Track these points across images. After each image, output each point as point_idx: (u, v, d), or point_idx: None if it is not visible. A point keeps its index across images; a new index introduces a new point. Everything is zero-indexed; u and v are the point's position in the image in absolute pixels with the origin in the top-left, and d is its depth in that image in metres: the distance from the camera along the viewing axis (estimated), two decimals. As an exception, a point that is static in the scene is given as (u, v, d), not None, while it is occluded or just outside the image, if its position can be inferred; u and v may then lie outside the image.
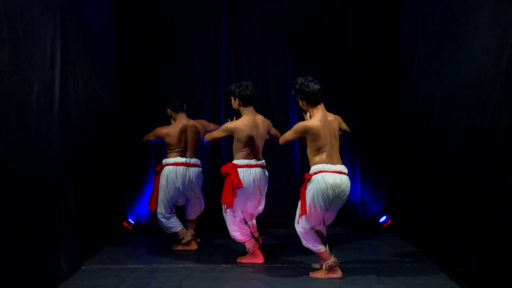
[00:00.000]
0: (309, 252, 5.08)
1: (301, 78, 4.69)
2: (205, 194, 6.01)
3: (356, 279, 4.61)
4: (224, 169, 5.05)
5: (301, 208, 4.59)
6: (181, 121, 5.71)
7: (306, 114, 4.80)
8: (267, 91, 6.64)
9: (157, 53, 6.60)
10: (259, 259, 5.15)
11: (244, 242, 5.16)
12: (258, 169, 5.09)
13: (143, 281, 4.60)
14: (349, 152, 6.63)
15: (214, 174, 6.32)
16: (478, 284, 4.02)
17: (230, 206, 4.98)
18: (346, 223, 6.63)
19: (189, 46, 6.62)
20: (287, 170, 6.61)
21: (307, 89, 4.60)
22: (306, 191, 4.57)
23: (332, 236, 4.61)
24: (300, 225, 4.66)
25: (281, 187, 6.40)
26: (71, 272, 4.68)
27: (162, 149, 6.53)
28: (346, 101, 6.55)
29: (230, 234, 5.18)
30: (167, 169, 5.65)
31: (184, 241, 5.68)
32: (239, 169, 4.99)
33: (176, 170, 5.61)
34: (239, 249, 5.38)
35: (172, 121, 5.80)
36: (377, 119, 6.60)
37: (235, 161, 5.05)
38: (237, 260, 5.20)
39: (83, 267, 4.97)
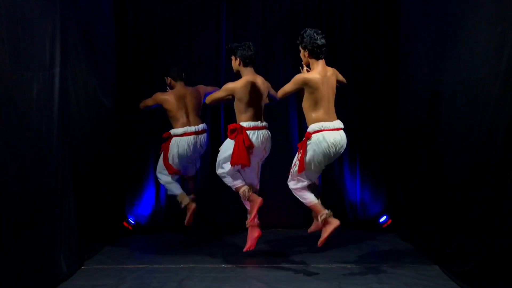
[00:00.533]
0: (309, 252, 5.10)
1: (310, 29, 4.71)
2: (204, 192, 6.05)
3: (356, 279, 4.61)
4: (231, 127, 5.02)
5: (299, 164, 4.63)
6: (180, 88, 5.81)
7: (302, 69, 4.82)
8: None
9: (157, 53, 6.59)
10: (258, 200, 5.05)
11: (238, 189, 5.11)
12: (264, 131, 5.13)
13: (143, 281, 4.61)
14: (349, 152, 6.62)
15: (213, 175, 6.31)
16: (478, 284, 4.02)
17: (247, 164, 4.97)
18: (346, 223, 6.61)
19: (189, 46, 6.61)
20: (287, 171, 6.59)
21: (314, 40, 4.62)
22: (307, 149, 4.62)
23: (332, 236, 4.62)
24: (296, 181, 4.75)
25: (281, 187, 6.37)
26: (71, 272, 4.69)
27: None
28: (346, 101, 6.53)
29: (226, 182, 5.18)
30: (177, 140, 5.68)
31: (182, 205, 5.71)
32: (247, 131, 4.99)
33: (187, 140, 5.68)
34: (239, 249, 5.37)
35: (168, 89, 5.88)
36: (377, 119, 6.59)
37: (243, 123, 5.03)
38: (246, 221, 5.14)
39: (83, 267, 4.97)
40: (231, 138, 5.03)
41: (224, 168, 5.10)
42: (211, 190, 6.32)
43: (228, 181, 5.16)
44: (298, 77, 4.68)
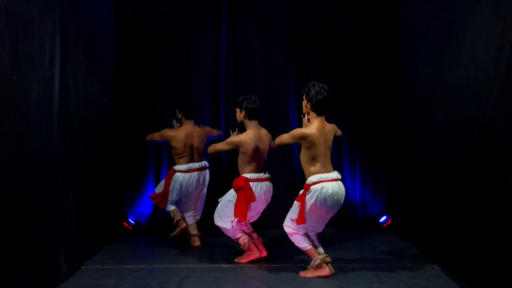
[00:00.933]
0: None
1: (318, 83, 4.69)
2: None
3: (356, 279, 4.61)
4: (237, 183, 5.05)
5: (299, 217, 4.62)
6: (188, 126, 5.87)
7: (304, 116, 4.83)
8: (267, 91, 6.63)
9: (157, 53, 6.59)
10: (255, 253, 5.19)
11: (238, 239, 5.22)
12: (267, 183, 5.18)
13: (143, 281, 4.61)
14: (349, 152, 6.63)
15: (213, 175, 6.32)
16: (478, 284, 4.02)
17: (244, 219, 5.07)
18: (346, 223, 6.63)
19: (189, 46, 6.61)
20: (287, 171, 6.61)
21: (320, 97, 4.61)
22: (306, 200, 4.61)
23: (332, 236, 4.63)
24: (292, 227, 4.74)
25: (281, 187, 6.39)
26: (71, 272, 4.69)
27: (162, 149, 6.55)
28: (346, 101, 6.54)
29: (223, 230, 5.25)
30: (180, 176, 5.79)
31: (174, 221, 5.80)
32: (250, 183, 5.04)
33: (191, 176, 5.82)
34: (239, 249, 5.37)
35: (175, 122, 5.97)
36: (377, 119, 6.59)
37: (246, 175, 5.07)
38: (235, 260, 5.24)
39: (83, 267, 4.97)
40: (236, 192, 5.08)
41: (224, 222, 5.16)
42: (211, 190, 6.31)
43: (228, 233, 5.24)
44: (296, 132, 4.70)
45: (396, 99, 6.41)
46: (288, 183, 6.44)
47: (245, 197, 4.98)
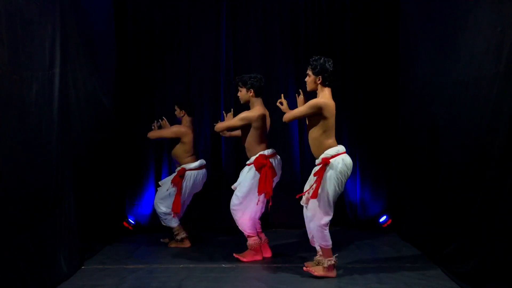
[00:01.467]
0: (308, 251, 5.08)
1: (322, 57, 4.68)
2: (204, 194, 6.10)
3: (356, 279, 4.61)
4: (260, 161, 5.06)
5: (314, 191, 4.51)
6: (190, 124, 5.87)
7: (298, 96, 4.80)
8: (267, 91, 6.59)
9: (157, 53, 6.59)
10: (259, 256, 5.23)
11: (250, 237, 5.22)
12: (278, 157, 5.26)
13: (143, 281, 4.60)
14: (349, 152, 6.62)
15: (212, 175, 6.33)
16: (478, 284, 4.02)
17: (271, 194, 5.03)
18: (346, 223, 6.63)
19: (189, 46, 6.62)
20: (287, 171, 6.60)
21: (327, 68, 4.61)
22: (327, 177, 4.53)
23: (332, 236, 4.61)
24: (320, 220, 4.58)
25: (281, 188, 6.39)
26: (71, 272, 4.69)
27: (162, 149, 6.54)
28: (346, 101, 6.54)
29: (240, 224, 5.21)
30: (193, 174, 5.76)
31: (178, 238, 5.77)
32: (270, 159, 5.10)
33: (201, 174, 5.83)
34: (240, 249, 5.37)
35: (155, 125, 5.88)
36: (377, 118, 6.59)
37: (264, 152, 5.11)
38: (234, 254, 5.26)
39: (83, 267, 4.97)
40: (258, 172, 5.07)
41: (248, 208, 5.15)
42: (211, 190, 6.32)
43: (246, 228, 5.20)
44: (314, 102, 4.59)
45: (396, 99, 6.42)
46: (289, 184, 6.44)
47: (269, 173, 5.03)
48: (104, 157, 5.82)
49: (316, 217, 4.60)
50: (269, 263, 5.13)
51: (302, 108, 4.66)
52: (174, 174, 5.81)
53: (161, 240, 5.93)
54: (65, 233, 4.65)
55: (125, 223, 6.49)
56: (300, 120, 6.53)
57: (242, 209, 5.16)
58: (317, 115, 4.57)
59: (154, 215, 6.59)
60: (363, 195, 6.68)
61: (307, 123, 4.72)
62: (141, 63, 6.59)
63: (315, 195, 4.51)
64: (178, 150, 5.80)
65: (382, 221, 6.59)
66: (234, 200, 5.17)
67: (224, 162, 6.65)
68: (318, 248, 4.77)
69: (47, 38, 4.36)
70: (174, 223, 5.78)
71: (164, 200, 5.76)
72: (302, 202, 4.74)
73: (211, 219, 6.53)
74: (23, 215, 3.91)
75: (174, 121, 5.96)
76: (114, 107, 6.20)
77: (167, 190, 5.76)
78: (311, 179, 4.67)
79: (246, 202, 5.14)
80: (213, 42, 6.64)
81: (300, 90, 4.89)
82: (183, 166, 5.76)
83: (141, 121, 6.50)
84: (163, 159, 6.58)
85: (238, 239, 5.71)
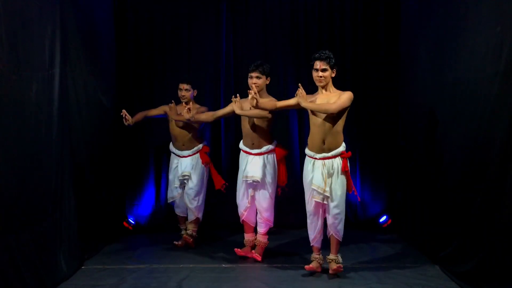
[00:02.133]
0: (309, 252, 5.07)
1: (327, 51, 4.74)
2: (205, 192, 6.08)
3: (356, 279, 4.61)
4: (282, 152, 5.22)
5: (348, 185, 4.72)
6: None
7: (300, 87, 4.76)
8: (267, 90, 6.61)
9: (157, 53, 6.59)
10: (249, 253, 5.27)
11: (264, 234, 5.27)
12: None
13: (143, 281, 4.60)
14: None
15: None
16: (478, 284, 4.02)
17: (285, 181, 5.22)
18: (346, 223, 6.58)
19: (189, 46, 6.61)
20: (287, 171, 6.59)
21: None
22: (340, 171, 4.68)
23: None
24: (343, 207, 4.79)
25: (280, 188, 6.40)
26: (71, 272, 4.69)
27: (162, 149, 6.53)
28: (346, 101, 6.53)
29: (265, 218, 5.24)
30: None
31: (194, 234, 5.79)
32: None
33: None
34: (239, 248, 5.37)
35: (173, 103, 5.67)
36: (377, 118, 6.59)
37: (274, 145, 5.23)
38: (235, 249, 5.30)
39: (83, 267, 4.97)
40: (279, 162, 5.22)
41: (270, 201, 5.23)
42: (211, 190, 6.31)
43: (270, 221, 5.27)
44: (351, 94, 4.66)
45: (396, 99, 6.41)
46: (289, 184, 6.43)
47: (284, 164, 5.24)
48: (104, 157, 5.82)
49: (343, 212, 4.81)
50: (269, 263, 5.13)
51: (346, 100, 4.61)
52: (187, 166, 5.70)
53: (174, 242, 5.77)
54: (65, 233, 4.65)
55: (125, 223, 6.48)
56: (300, 117, 6.57)
57: (272, 203, 5.23)
58: (347, 108, 4.66)
59: (154, 215, 6.61)
60: (363, 195, 6.67)
61: (330, 116, 4.62)
62: (141, 62, 6.59)
63: (350, 189, 4.73)
64: (197, 131, 5.73)
65: (382, 221, 6.58)
66: (263, 205, 5.20)
67: (224, 162, 6.64)
68: (319, 246, 4.83)
69: (47, 38, 4.36)
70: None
71: (199, 191, 5.71)
72: (319, 199, 4.72)
73: (212, 219, 6.53)
74: (23, 215, 3.92)
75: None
76: (114, 107, 6.19)
77: (198, 179, 5.70)
78: (324, 174, 4.64)
79: (272, 194, 5.22)
80: (213, 41, 6.63)
81: (299, 84, 4.84)
82: (205, 143, 5.83)
83: (141, 121, 6.48)
84: (163, 159, 6.57)
85: (238, 239, 5.70)
